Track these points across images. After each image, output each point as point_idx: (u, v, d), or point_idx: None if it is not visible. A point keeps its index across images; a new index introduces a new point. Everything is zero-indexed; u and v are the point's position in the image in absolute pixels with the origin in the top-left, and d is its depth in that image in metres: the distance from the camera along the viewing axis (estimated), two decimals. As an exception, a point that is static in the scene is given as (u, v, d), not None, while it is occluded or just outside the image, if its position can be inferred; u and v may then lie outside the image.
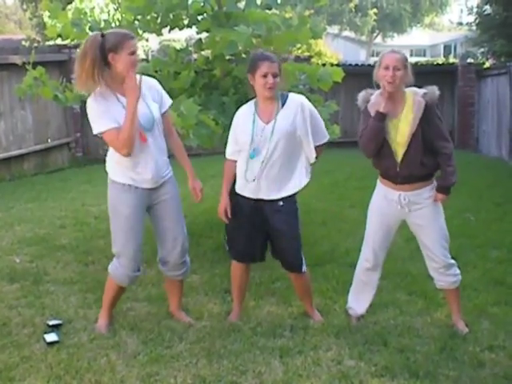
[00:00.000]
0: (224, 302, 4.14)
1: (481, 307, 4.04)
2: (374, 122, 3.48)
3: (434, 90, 3.52)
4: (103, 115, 3.31)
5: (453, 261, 3.67)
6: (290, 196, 3.61)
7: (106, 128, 3.31)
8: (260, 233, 3.70)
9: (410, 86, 3.54)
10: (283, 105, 3.58)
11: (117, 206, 3.49)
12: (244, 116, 3.65)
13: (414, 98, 3.48)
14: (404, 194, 3.56)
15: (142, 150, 3.40)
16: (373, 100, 3.58)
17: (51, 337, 3.52)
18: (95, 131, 3.35)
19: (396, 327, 3.74)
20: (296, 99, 3.61)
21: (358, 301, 3.85)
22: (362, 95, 3.66)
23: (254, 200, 3.63)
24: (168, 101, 3.65)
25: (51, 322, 3.72)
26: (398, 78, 3.42)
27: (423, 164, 3.51)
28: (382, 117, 3.46)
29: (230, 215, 3.68)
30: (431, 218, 3.58)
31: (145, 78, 3.48)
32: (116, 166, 3.49)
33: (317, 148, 3.62)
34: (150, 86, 3.53)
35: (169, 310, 3.91)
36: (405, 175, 3.53)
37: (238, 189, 3.68)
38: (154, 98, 3.52)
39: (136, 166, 3.42)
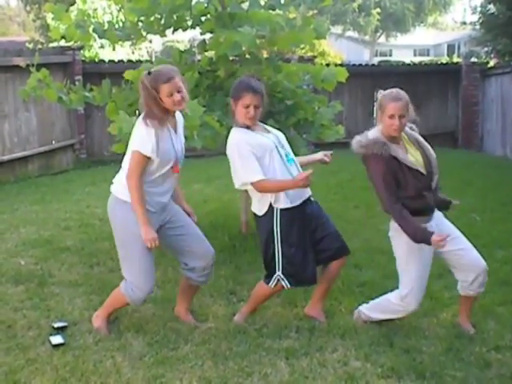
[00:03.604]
0: (229, 304, 4.13)
1: (487, 307, 4.02)
2: (423, 239, 3.32)
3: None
4: (148, 139, 3.31)
5: None
6: None
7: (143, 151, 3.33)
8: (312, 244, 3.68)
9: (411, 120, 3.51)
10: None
11: (129, 226, 3.42)
12: (248, 135, 3.58)
13: (406, 131, 3.51)
14: (433, 221, 3.50)
15: (169, 179, 3.51)
16: (378, 140, 3.39)
17: (57, 339, 3.52)
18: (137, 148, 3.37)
19: (402, 328, 3.73)
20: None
21: (378, 315, 3.73)
22: (363, 141, 3.40)
23: (303, 203, 3.62)
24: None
25: (56, 324, 3.72)
26: (404, 125, 3.41)
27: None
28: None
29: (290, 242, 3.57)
30: (452, 227, 3.59)
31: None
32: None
33: None
34: (180, 120, 3.61)
35: (174, 311, 3.89)
36: (433, 204, 3.50)
37: (291, 201, 3.55)
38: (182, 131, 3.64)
39: (162, 193, 3.50)
